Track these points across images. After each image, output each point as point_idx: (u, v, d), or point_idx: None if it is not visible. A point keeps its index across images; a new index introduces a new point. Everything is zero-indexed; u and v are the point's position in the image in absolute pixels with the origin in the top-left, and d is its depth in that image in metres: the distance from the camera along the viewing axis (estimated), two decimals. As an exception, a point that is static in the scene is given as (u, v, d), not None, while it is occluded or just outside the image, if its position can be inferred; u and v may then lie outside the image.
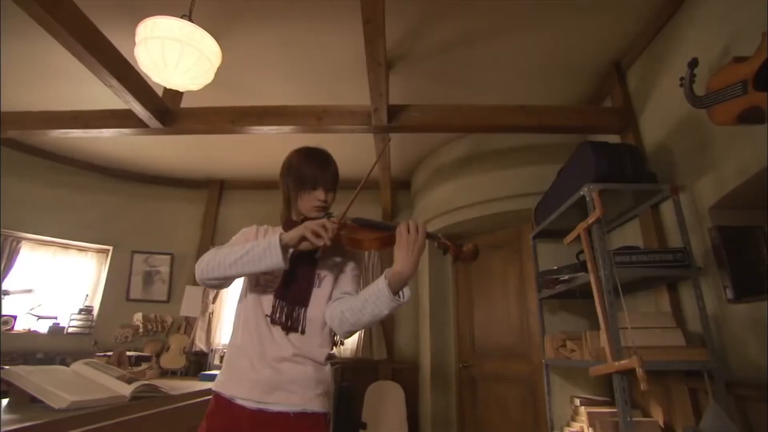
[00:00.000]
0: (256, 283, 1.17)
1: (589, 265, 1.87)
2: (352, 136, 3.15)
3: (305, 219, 1.20)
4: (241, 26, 2.27)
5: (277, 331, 1.10)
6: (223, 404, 1.06)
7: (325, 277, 1.19)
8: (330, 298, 1.17)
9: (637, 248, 2.05)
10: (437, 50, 2.41)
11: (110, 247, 3.94)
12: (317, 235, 1.03)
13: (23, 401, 1.41)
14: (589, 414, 2.13)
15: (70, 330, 3.61)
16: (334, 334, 1.17)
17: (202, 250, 4.02)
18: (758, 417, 1.55)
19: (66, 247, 3.86)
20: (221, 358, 3.56)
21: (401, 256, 1.03)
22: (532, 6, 2.09)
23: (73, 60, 2.53)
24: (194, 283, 3.88)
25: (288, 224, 1.23)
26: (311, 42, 2.39)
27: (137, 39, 1.54)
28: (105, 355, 3.10)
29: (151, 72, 1.60)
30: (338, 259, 1.23)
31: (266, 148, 3.70)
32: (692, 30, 1.92)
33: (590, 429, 2.10)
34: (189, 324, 3.73)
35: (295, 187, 1.20)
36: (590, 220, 1.86)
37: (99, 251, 3.99)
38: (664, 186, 1.94)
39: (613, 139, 2.39)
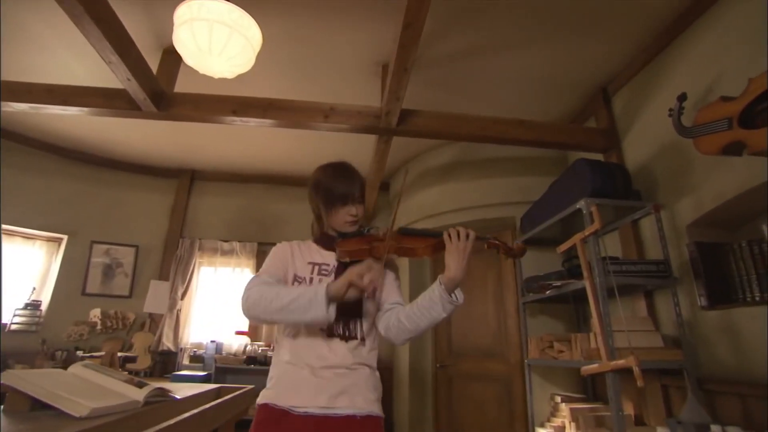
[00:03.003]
0: None
1: (585, 273, 2.03)
2: (337, 135, 3.08)
3: (339, 233, 1.23)
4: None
5: (335, 342, 1.11)
6: (276, 416, 1.04)
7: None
8: (378, 308, 1.20)
9: (617, 258, 2.26)
10: (443, 59, 2.49)
11: (64, 236, 3.58)
12: (364, 279, 0.98)
13: (22, 409, 1.27)
14: (571, 410, 2.31)
15: (13, 327, 3.24)
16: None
17: (169, 242, 3.79)
18: (725, 408, 1.79)
19: (10, 234, 3.46)
20: (191, 357, 3.38)
21: (453, 262, 1.07)
22: (533, 27, 2.23)
23: (49, 29, 2.33)
24: (160, 277, 3.65)
25: (323, 238, 1.25)
26: (316, 39, 2.36)
27: (178, 19, 1.44)
28: (92, 356, 2.83)
29: (191, 55, 1.51)
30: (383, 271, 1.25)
31: (244, 140, 3.57)
32: (679, 68, 2.16)
33: (572, 424, 2.28)
34: (154, 321, 3.50)
35: (325, 204, 1.21)
36: (588, 231, 2.03)
37: (50, 240, 3.61)
38: (648, 204, 2.16)
39: (597, 157, 2.62)
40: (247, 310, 1.06)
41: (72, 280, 3.52)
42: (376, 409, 1.09)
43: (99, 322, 3.40)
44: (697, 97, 2.00)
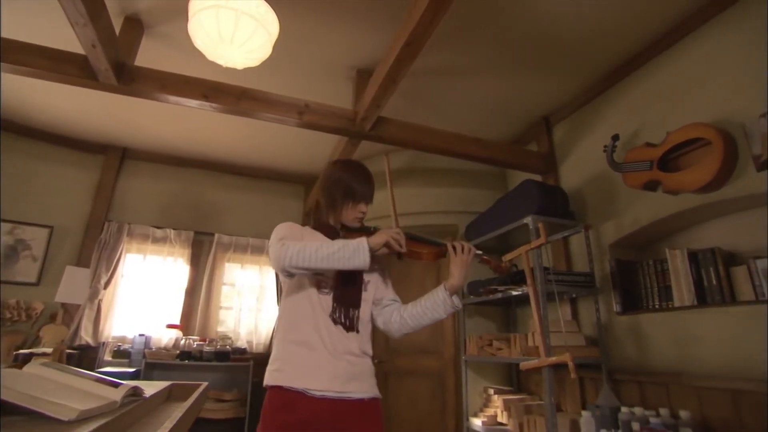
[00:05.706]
0: (310, 283, 1.25)
1: (529, 280, 2.32)
2: (287, 128, 2.94)
3: (343, 226, 1.34)
4: None
5: (339, 329, 1.21)
6: (293, 397, 1.11)
7: (369, 283, 1.34)
8: (372, 302, 1.33)
9: (550, 269, 2.62)
10: (416, 73, 2.63)
11: (-47, 209, 3.02)
12: (398, 243, 1.19)
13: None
14: (504, 401, 2.61)
15: None
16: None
17: (92, 224, 3.39)
18: (628, 394, 2.19)
19: None
20: (114, 352, 3.08)
21: (457, 272, 1.27)
22: (499, 57, 2.47)
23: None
24: (79, 263, 3.26)
25: (326, 228, 1.34)
26: (292, 34, 2.32)
27: (202, 4, 1.35)
28: (32, 354, 2.42)
29: (208, 40, 1.41)
30: (376, 267, 1.39)
31: (185, 121, 3.31)
32: (612, 112, 2.57)
33: (505, 413, 2.58)
34: (68, 312, 3.11)
35: (342, 198, 1.32)
36: (534, 244, 2.33)
37: (-69, 212, 3.02)
38: (580, 223, 2.54)
39: (536, 178, 2.98)
40: (288, 260, 1.10)
41: (-38, 261, 2.98)
42: (377, 392, 1.23)
43: (-4, 311, 2.93)
44: (624, 139, 2.41)
